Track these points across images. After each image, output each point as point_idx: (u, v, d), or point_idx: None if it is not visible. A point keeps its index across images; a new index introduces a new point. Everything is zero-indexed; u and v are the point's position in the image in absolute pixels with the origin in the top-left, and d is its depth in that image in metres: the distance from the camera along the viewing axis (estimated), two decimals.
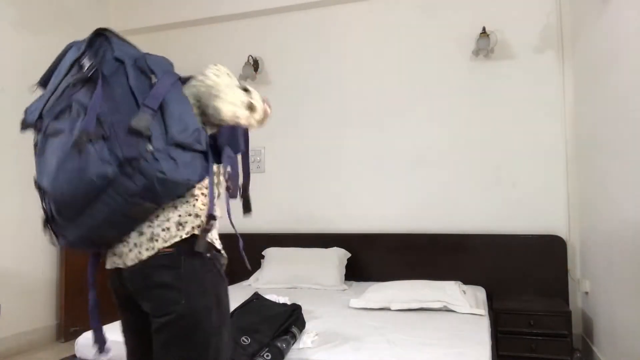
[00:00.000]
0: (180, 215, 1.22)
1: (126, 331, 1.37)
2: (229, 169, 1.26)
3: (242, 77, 4.02)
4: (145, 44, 4.20)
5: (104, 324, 1.38)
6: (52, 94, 1.20)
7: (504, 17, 3.54)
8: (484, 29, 3.46)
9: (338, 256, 3.57)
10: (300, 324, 2.08)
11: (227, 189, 1.29)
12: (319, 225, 3.88)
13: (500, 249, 3.39)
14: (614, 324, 2.58)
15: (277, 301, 2.33)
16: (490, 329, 2.38)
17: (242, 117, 1.31)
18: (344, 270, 3.54)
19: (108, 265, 1.29)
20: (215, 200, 1.29)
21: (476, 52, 3.53)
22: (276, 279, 3.47)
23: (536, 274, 3.29)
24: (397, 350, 1.93)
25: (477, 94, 3.59)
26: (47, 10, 3.91)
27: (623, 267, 2.39)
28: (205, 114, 1.30)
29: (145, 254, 1.19)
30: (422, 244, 3.55)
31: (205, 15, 4.24)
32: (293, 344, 1.96)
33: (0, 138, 3.50)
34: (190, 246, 1.20)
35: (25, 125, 1.25)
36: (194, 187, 1.22)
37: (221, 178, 1.37)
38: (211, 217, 1.23)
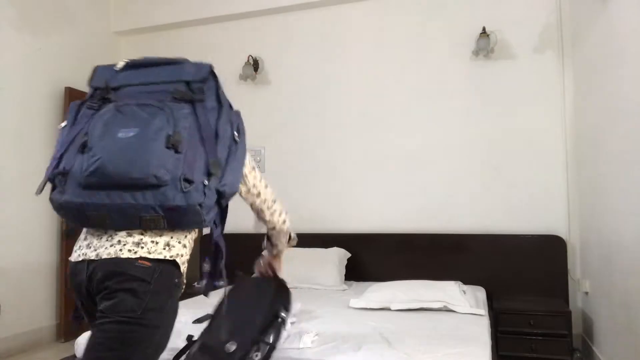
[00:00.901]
0: (172, 238, 1.28)
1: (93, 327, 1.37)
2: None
3: (242, 77, 4.03)
4: (145, 44, 4.23)
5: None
6: (141, 83, 1.31)
7: (504, 17, 3.54)
8: (484, 29, 3.47)
9: (338, 256, 3.57)
10: (287, 302, 1.96)
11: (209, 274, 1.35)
12: (319, 225, 3.88)
13: (500, 249, 3.39)
14: (614, 324, 2.58)
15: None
16: (490, 329, 2.38)
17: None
18: (344, 270, 3.55)
19: (74, 258, 1.28)
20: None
21: (476, 52, 3.54)
22: None
23: (536, 274, 3.29)
24: (397, 351, 1.93)
25: (477, 94, 3.59)
26: (47, 10, 3.90)
27: (623, 267, 2.39)
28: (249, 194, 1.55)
29: (126, 254, 1.21)
30: (422, 244, 3.55)
31: (205, 15, 4.24)
32: (284, 328, 1.89)
33: (0, 138, 3.51)
34: (167, 267, 1.25)
35: (97, 81, 1.33)
36: (201, 229, 1.31)
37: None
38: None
